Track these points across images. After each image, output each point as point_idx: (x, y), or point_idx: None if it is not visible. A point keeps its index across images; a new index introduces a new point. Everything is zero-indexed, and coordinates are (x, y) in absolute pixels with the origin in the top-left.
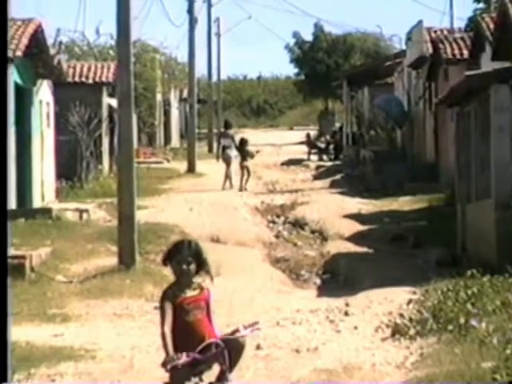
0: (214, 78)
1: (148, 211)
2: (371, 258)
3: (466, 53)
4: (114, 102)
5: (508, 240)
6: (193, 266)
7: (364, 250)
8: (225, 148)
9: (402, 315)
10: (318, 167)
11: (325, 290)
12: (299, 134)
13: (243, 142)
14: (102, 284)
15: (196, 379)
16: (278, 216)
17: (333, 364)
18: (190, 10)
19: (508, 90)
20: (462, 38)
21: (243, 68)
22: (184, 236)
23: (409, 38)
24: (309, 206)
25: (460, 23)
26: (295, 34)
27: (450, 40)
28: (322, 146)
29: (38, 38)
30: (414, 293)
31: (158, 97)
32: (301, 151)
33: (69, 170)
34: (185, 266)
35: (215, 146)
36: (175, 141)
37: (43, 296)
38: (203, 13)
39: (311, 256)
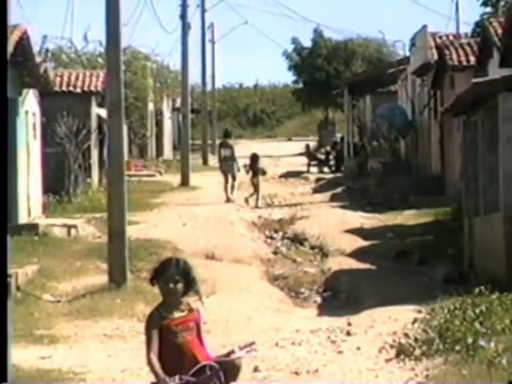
0: (209, 87)
1: (139, 227)
2: (374, 275)
3: (472, 59)
4: (103, 112)
5: None
6: (180, 286)
7: (367, 266)
8: (224, 159)
9: (406, 335)
10: (317, 180)
11: (326, 308)
12: (298, 145)
13: (255, 157)
14: (91, 303)
15: None
16: (276, 231)
17: None
18: (183, 16)
19: None
20: (469, 44)
21: (239, 76)
22: (177, 253)
23: (413, 44)
24: (308, 221)
25: (466, 28)
26: (293, 40)
27: (456, 46)
28: (322, 157)
29: (23, 45)
30: (420, 311)
31: (150, 106)
32: (300, 163)
33: (56, 184)
34: (172, 285)
35: (211, 157)
36: (168, 152)
37: (30, 316)
38: (196, 18)
39: (311, 273)
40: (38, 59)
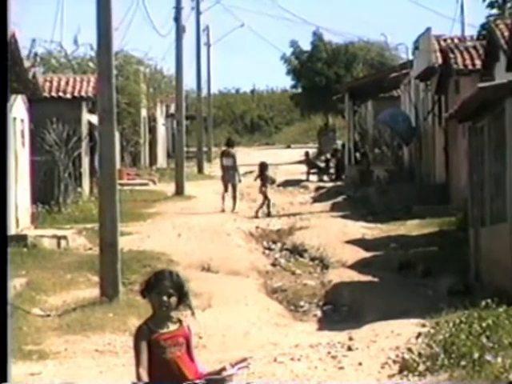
0: (204, 92)
1: (132, 238)
2: (377, 287)
3: (478, 63)
4: (94, 119)
5: None
6: (174, 299)
7: (369, 278)
8: (227, 168)
9: (410, 350)
10: (317, 188)
11: (326, 322)
12: (297, 153)
13: (263, 166)
14: (82, 318)
15: None
16: (275, 242)
17: None
18: (177, 18)
19: None
20: (475, 47)
21: (235, 81)
22: (172, 265)
23: (416, 47)
24: (308, 231)
25: (472, 31)
26: (292, 43)
27: (461, 49)
28: (322, 165)
29: (11, 49)
30: (424, 325)
31: (143, 112)
32: (299, 171)
33: (45, 194)
34: (165, 298)
35: (206, 165)
36: (162, 161)
37: (18, 331)
38: (191, 21)
39: (311, 285)
40: (27, 64)
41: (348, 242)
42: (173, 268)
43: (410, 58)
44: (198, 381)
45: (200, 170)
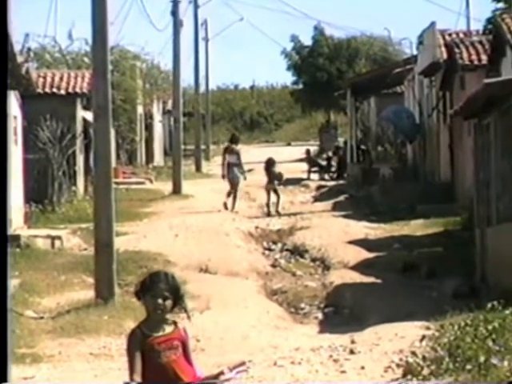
0: (202, 88)
1: (128, 238)
2: (379, 289)
3: (484, 58)
4: (89, 116)
5: None
6: (169, 302)
7: (371, 280)
8: (230, 166)
9: (414, 353)
10: (318, 187)
11: (327, 325)
12: (298, 151)
13: (270, 162)
14: (76, 320)
15: None
16: (275, 242)
17: None
18: (174, 12)
19: None
20: (480, 42)
21: (234, 76)
22: (169, 266)
23: (420, 42)
24: (309, 231)
25: (477, 25)
26: (293, 38)
27: (467, 44)
28: (324, 163)
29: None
30: (428, 328)
31: (139, 109)
32: (299, 169)
33: (39, 192)
34: (160, 301)
35: (204, 163)
36: (158, 159)
37: (11, 334)
38: (189, 15)
39: (312, 287)
40: (20, 59)
41: (350, 242)
42: (170, 269)
43: (414, 53)
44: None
45: (198, 168)
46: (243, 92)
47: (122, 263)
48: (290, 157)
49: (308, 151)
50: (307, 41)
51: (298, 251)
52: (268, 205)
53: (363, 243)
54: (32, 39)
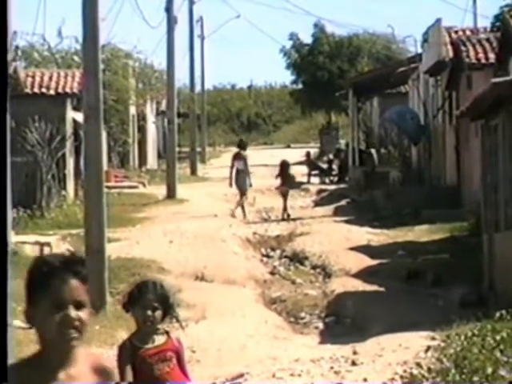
0: (198, 88)
1: (120, 244)
2: (383, 297)
3: (492, 56)
4: (79, 117)
5: None
6: (159, 313)
7: (374, 288)
8: (239, 172)
9: (419, 365)
10: (319, 191)
11: (328, 335)
12: (297, 153)
13: (284, 164)
14: None
15: None
16: (274, 249)
17: None
18: (169, 8)
19: None
20: (488, 40)
21: (231, 76)
22: (163, 273)
23: (425, 40)
24: (309, 237)
25: (485, 22)
26: (292, 36)
27: (474, 42)
28: (325, 166)
29: None
30: (434, 338)
31: (132, 110)
32: (299, 173)
33: (27, 197)
34: (150, 313)
35: (200, 166)
36: (152, 161)
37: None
38: (184, 11)
39: (312, 296)
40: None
41: (352, 248)
42: (164, 277)
43: (419, 51)
44: None
45: (193, 171)
46: (240, 92)
47: (113, 271)
48: (289, 159)
49: (308, 154)
50: (307, 38)
51: (297, 258)
52: (285, 208)
53: (366, 250)
54: (20, 37)
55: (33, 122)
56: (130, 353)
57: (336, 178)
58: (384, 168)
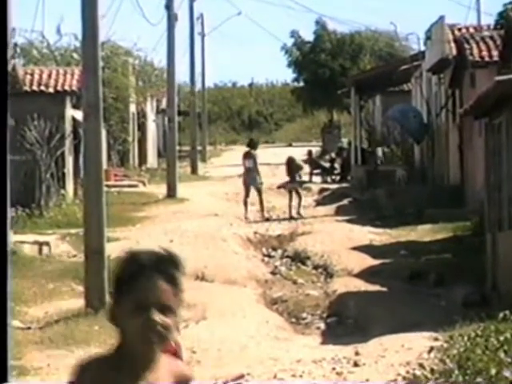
0: (198, 86)
1: (120, 244)
2: (385, 298)
3: (495, 54)
4: (79, 115)
5: None
6: None
7: (376, 288)
8: (249, 171)
9: (422, 366)
10: (321, 190)
11: (330, 336)
12: (299, 152)
13: (291, 160)
14: (65, 331)
15: None
16: (275, 249)
17: None
18: (169, 6)
19: None
20: (491, 37)
21: (232, 74)
22: None
23: (428, 38)
24: (311, 237)
25: (488, 19)
26: (293, 33)
27: (477, 39)
28: (326, 165)
29: None
30: (437, 339)
31: (132, 108)
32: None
33: (26, 196)
34: None
35: (200, 165)
36: (152, 160)
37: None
38: (184, 8)
39: (314, 296)
40: None
41: (354, 248)
42: None
43: (422, 48)
44: None
45: (194, 170)
46: (241, 90)
47: (113, 271)
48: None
49: (310, 152)
50: (309, 36)
51: (299, 258)
52: (290, 206)
53: (368, 249)
54: (18, 34)
55: (32, 121)
56: None
57: (338, 177)
58: (387, 167)
